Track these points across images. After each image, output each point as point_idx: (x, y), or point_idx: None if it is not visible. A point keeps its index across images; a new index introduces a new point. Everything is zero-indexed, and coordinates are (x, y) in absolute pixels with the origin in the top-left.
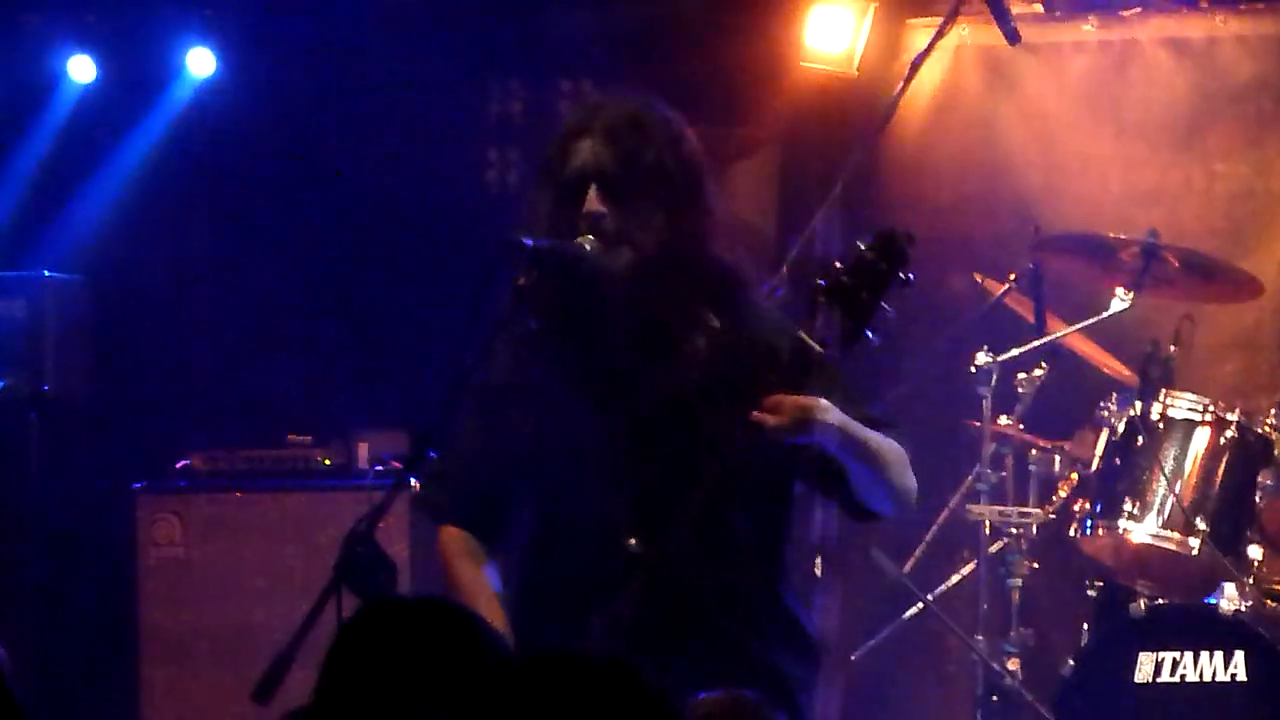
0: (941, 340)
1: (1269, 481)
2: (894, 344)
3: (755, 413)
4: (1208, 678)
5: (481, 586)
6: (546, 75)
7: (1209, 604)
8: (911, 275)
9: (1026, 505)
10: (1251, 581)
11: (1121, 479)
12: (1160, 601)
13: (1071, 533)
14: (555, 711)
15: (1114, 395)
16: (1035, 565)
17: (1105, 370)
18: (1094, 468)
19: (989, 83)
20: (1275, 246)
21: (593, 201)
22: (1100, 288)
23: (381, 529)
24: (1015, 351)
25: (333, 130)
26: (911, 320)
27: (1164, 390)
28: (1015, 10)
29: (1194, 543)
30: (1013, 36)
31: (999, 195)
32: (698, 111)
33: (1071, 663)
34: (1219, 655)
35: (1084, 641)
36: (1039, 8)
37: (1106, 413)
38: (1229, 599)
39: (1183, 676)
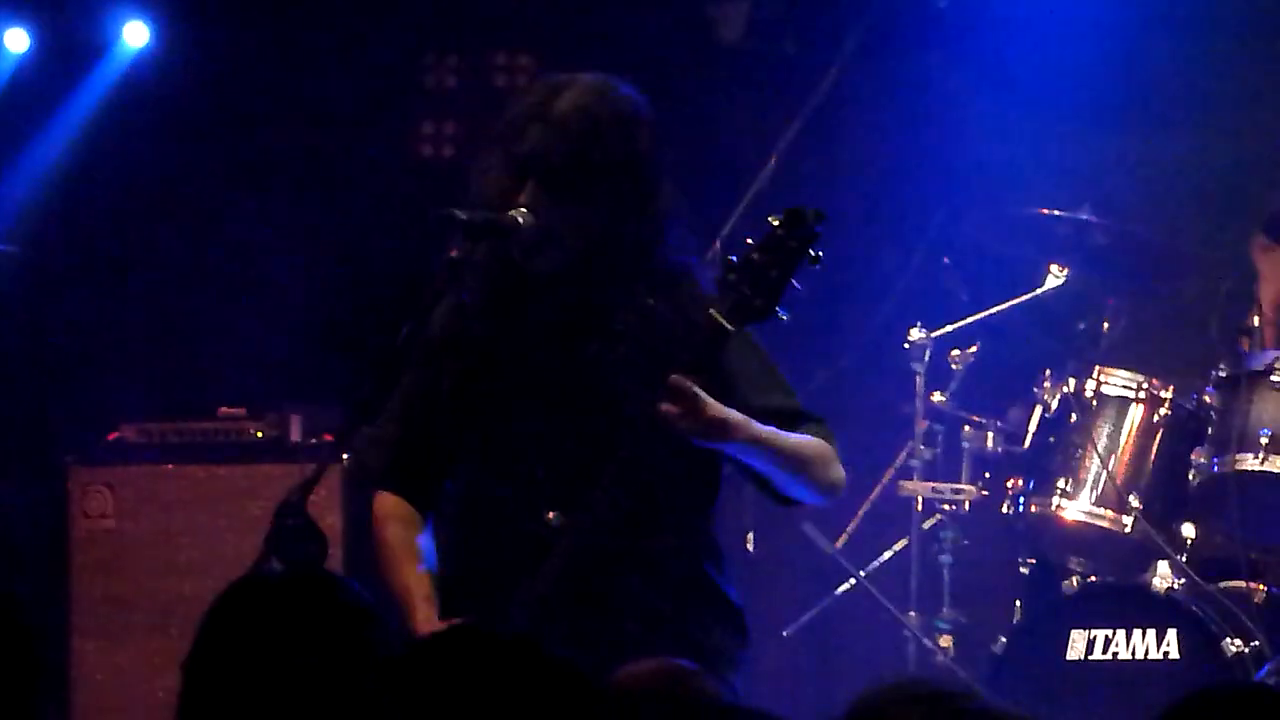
0: (875, 316)
1: (1202, 459)
2: (827, 320)
3: (663, 404)
4: (1140, 655)
5: (410, 552)
6: (482, 48)
7: (1142, 582)
8: (821, 253)
9: (959, 482)
10: (1184, 559)
11: (1055, 456)
12: (1093, 579)
13: (1004, 509)
14: (462, 689)
15: (1047, 372)
16: (967, 542)
17: (1039, 347)
18: (1027, 444)
19: (924, 56)
20: (1208, 222)
21: (529, 194)
22: (1035, 264)
23: (314, 501)
24: (949, 327)
25: (266, 103)
26: (844, 296)
27: (1097, 367)
28: None
29: (1127, 520)
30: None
31: (932, 170)
32: (632, 83)
33: (1003, 640)
34: (1151, 633)
35: (1016, 619)
36: None
37: (1040, 389)
38: (1162, 577)
39: (1115, 654)
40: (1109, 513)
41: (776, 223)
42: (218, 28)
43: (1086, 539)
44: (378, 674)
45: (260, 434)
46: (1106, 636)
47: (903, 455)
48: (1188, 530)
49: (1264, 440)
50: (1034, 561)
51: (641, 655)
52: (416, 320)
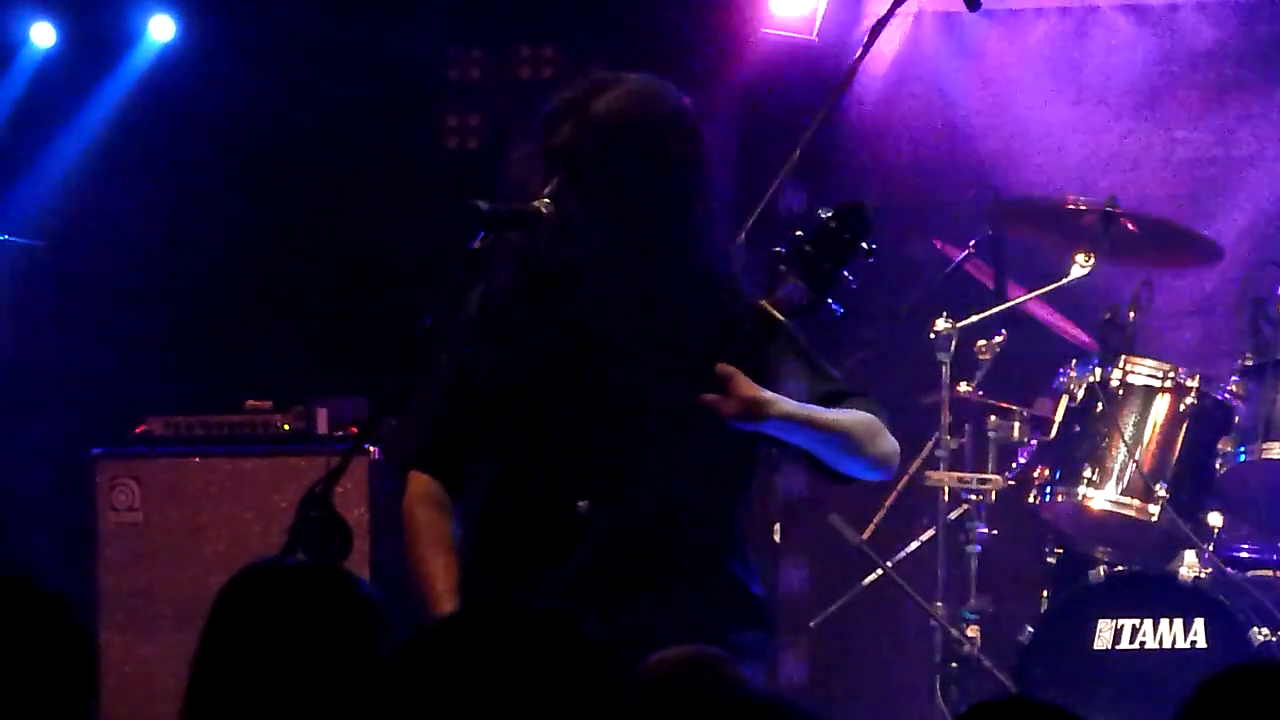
0: (901, 306)
1: (1229, 448)
2: (853, 310)
3: (706, 395)
4: (1167, 645)
5: (439, 537)
6: (507, 40)
7: (1169, 571)
8: (874, 246)
9: (985, 472)
10: (1211, 548)
11: (1081, 445)
12: (1120, 568)
13: (1031, 499)
14: (492, 662)
15: (1073, 361)
16: (994, 532)
17: (1065, 336)
18: (1053, 434)
19: (949, 48)
20: (1234, 212)
21: (555, 187)
22: (1060, 254)
23: (340, 493)
24: (975, 318)
25: (291, 96)
26: (870, 286)
27: (1123, 356)
28: None
29: (1154, 509)
30: (972, 2)
31: (958, 161)
32: (659, 77)
33: (1030, 630)
34: (1179, 622)
35: (1043, 608)
36: None
37: (1066, 379)
38: (1189, 566)
39: (1142, 644)
40: (1136, 502)
41: (828, 215)
42: (243, 22)
43: (1113, 528)
44: (405, 652)
45: (286, 426)
46: (1133, 626)
47: (929, 446)
48: (1215, 519)
49: None
50: (1061, 551)
51: (662, 643)
52: (440, 311)
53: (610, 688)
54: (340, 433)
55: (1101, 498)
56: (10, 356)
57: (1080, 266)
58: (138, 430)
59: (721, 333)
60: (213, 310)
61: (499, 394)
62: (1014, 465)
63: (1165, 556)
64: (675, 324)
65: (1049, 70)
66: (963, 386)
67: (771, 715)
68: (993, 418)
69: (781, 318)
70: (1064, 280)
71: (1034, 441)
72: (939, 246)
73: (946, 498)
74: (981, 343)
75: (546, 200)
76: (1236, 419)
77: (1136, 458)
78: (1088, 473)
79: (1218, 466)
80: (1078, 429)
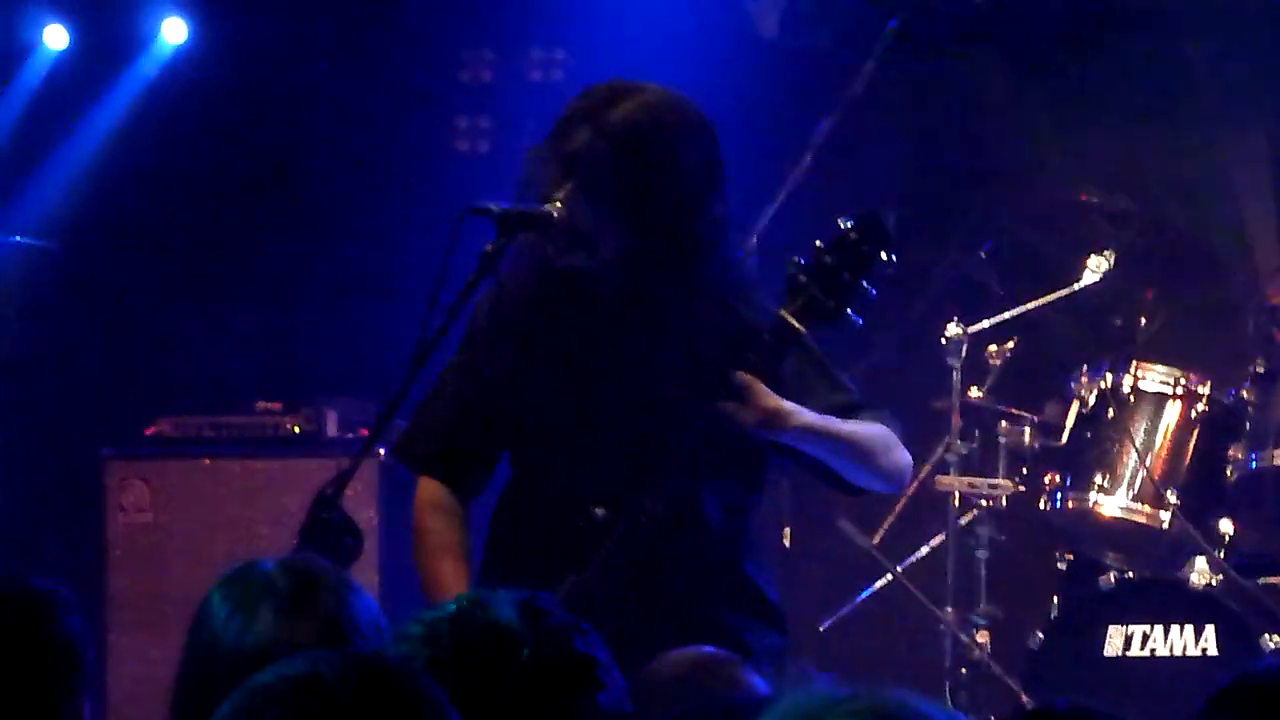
0: (911, 311)
1: (1239, 455)
2: (864, 315)
3: (725, 402)
4: (1178, 651)
5: (449, 544)
6: (518, 42)
7: (1179, 577)
8: (894, 257)
9: (996, 477)
10: (1222, 555)
11: (1091, 451)
12: (1130, 575)
13: (1041, 505)
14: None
15: (1084, 367)
16: (1004, 537)
17: (1076, 342)
18: (1064, 440)
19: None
20: (1248, 218)
21: (567, 192)
22: (1072, 259)
23: (350, 495)
24: (985, 323)
25: (303, 98)
26: (881, 291)
27: (1135, 363)
28: None
29: (1164, 516)
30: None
31: (970, 164)
32: (668, 80)
33: (1040, 635)
34: (1189, 629)
35: (1053, 614)
36: None
37: (1077, 385)
38: (1199, 572)
39: (1152, 650)
40: (1146, 508)
41: (848, 225)
42: (255, 24)
43: (1124, 534)
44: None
45: (296, 428)
46: (1144, 632)
47: (939, 451)
48: (1225, 526)
49: None
50: (1071, 557)
51: (680, 647)
52: (449, 313)
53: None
54: (350, 435)
55: (1112, 504)
56: (20, 357)
57: (1092, 272)
58: (147, 432)
59: (739, 341)
60: (223, 312)
61: (513, 401)
62: (1024, 470)
63: (1176, 563)
64: (689, 332)
65: (1059, 75)
66: (973, 392)
67: None
68: (1003, 423)
69: (800, 328)
70: (1076, 286)
71: (1044, 447)
72: (948, 251)
73: (957, 503)
74: (992, 348)
75: (557, 204)
76: (1247, 425)
77: (1147, 464)
78: (1098, 479)
79: (1228, 473)
80: (1089, 435)
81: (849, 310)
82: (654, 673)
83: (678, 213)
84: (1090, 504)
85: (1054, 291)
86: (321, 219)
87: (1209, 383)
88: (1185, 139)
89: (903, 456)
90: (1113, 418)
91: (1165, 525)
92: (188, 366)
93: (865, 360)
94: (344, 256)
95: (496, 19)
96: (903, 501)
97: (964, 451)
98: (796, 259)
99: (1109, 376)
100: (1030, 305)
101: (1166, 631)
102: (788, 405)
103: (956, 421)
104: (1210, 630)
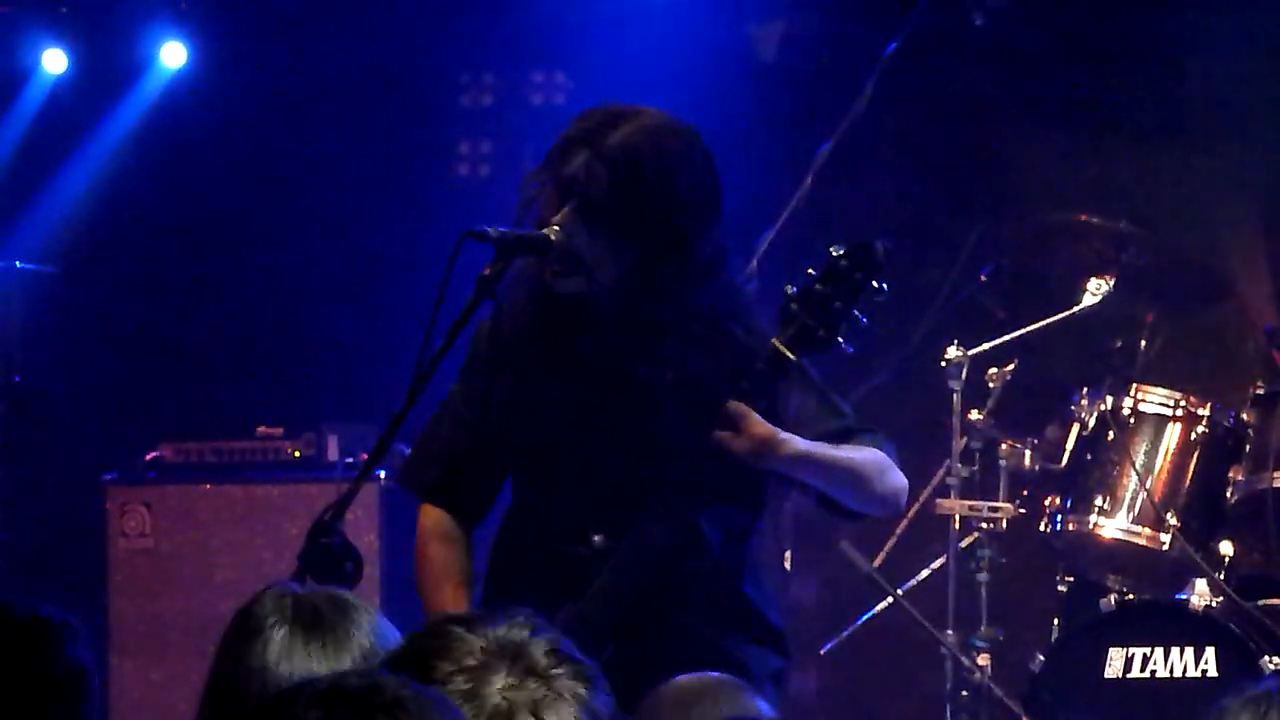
0: (912, 334)
1: (1240, 477)
2: (864, 337)
3: (719, 432)
4: (1178, 673)
5: (451, 572)
6: (519, 67)
7: (1180, 599)
8: (886, 285)
9: (996, 500)
10: (1222, 577)
11: (1092, 474)
12: (1131, 597)
13: (1042, 527)
14: None
15: (1085, 390)
16: (1005, 560)
17: (1076, 365)
18: (1064, 463)
19: (958, 73)
20: (1248, 240)
21: (566, 216)
22: (1073, 281)
23: (351, 520)
24: (986, 345)
25: (303, 123)
26: (873, 319)
27: (1135, 385)
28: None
29: (1165, 538)
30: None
31: (971, 187)
32: (668, 102)
33: (1041, 658)
34: (1190, 651)
35: (1054, 637)
36: None
37: (1077, 407)
38: (1200, 594)
39: (1153, 672)
40: (1147, 530)
41: (839, 254)
42: (254, 48)
43: (1124, 557)
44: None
45: (297, 453)
46: (1144, 654)
47: (940, 473)
48: (1226, 548)
49: None
50: (1072, 579)
51: (682, 674)
52: (448, 337)
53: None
54: (351, 459)
55: (1112, 526)
56: (22, 382)
57: (1092, 295)
58: (149, 457)
59: (733, 368)
60: (224, 337)
61: (512, 428)
62: (1025, 493)
63: (1176, 585)
64: (686, 357)
65: (1057, 96)
66: (974, 414)
67: None
68: (1004, 446)
69: (793, 356)
70: (1076, 308)
71: (1045, 469)
72: (949, 274)
73: (957, 526)
74: (993, 371)
75: (556, 228)
76: (1247, 447)
77: (1147, 486)
78: (1099, 501)
79: (1229, 495)
80: (1089, 457)
81: (840, 339)
82: (658, 698)
83: (676, 236)
84: (1091, 526)
85: (1054, 314)
86: (322, 243)
87: (1209, 405)
88: (1186, 161)
89: (898, 480)
90: (1113, 440)
91: (1165, 547)
92: (188, 392)
93: (866, 383)
94: (344, 281)
95: (497, 43)
96: (903, 524)
97: (965, 474)
98: (789, 287)
99: (1109, 399)
100: (1031, 328)
101: (1167, 653)
102: (780, 435)
103: (957, 444)
104: (1211, 652)
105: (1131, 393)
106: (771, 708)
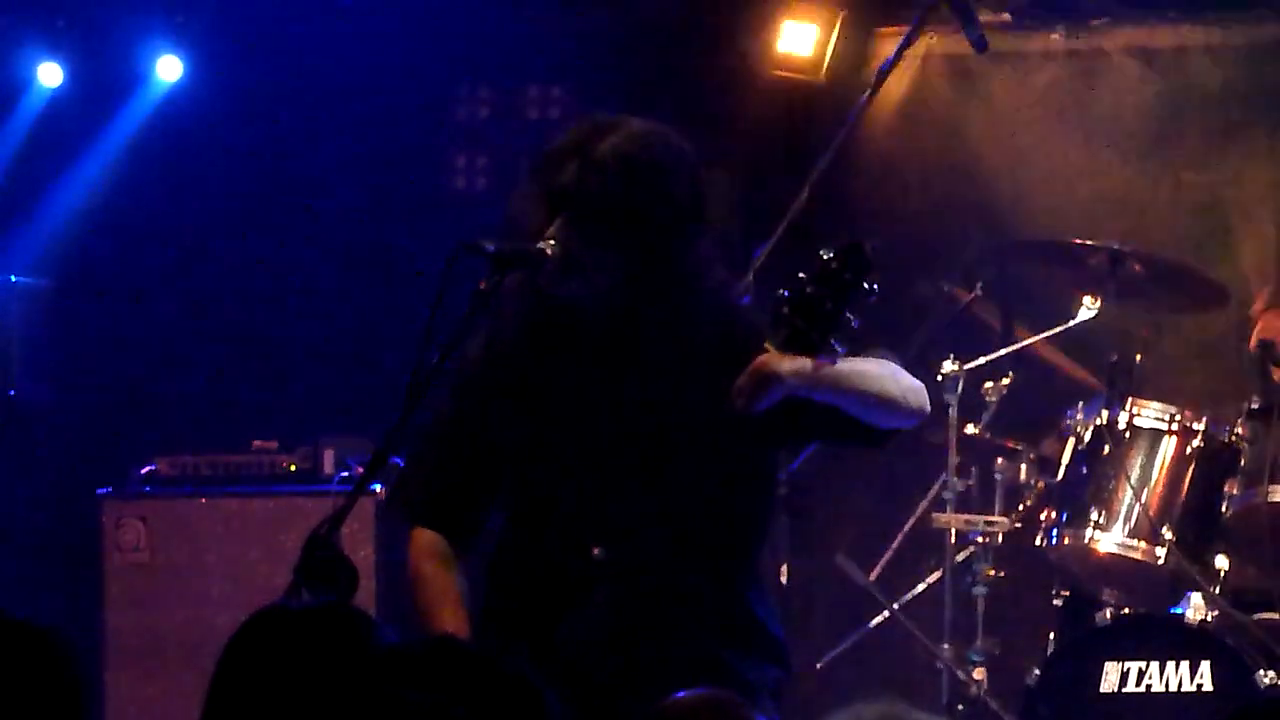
0: (908, 348)
1: (1235, 491)
2: (858, 352)
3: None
4: (1174, 688)
5: (447, 591)
6: (515, 81)
7: (1175, 613)
8: (876, 286)
9: (992, 513)
10: (1217, 591)
11: (1088, 488)
12: (1126, 611)
13: (1037, 541)
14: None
15: (1080, 404)
16: (1001, 574)
17: (1072, 379)
18: (1060, 476)
19: (957, 91)
20: (1242, 255)
21: (559, 228)
22: (1067, 296)
23: (347, 534)
24: (982, 360)
25: (299, 137)
26: (877, 328)
27: (1130, 399)
28: (983, 19)
29: (1160, 552)
30: (980, 44)
31: (966, 203)
32: (665, 117)
33: (1037, 672)
34: (1185, 665)
35: (1050, 650)
36: (1007, 17)
37: (1073, 421)
38: (1195, 608)
39: (1149, 686)
40: (1142, 544)
41: (829, 256)
42: (250, 63)
43: (1120, 571)
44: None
45: (293, 466)
46: (1140, 668)
47: (936, 487)
48: (1221, 562)
49: None
50: (1067, 593)
51: (683, 687)
52: (444, 352)
53: None
54: (346, 473)
55: (1108, 540)
56: (17, 396)
57: (1087, 309)
58: (144, 470)
59: (729, 372)
60: (219, 350)
61: (509, 445)
62: (1020, 507)
63: (1171, 599)
64: (682, 363)
65: (1057, 113)
66: (970, 428)
67: None
68: (1000, 459)
69: None
70: (1071, 322)
71: (1041, 483)
72: (946, 288)
73: (954, 539)
74: (989, 384)
75: (551, 242)
76: (1243, 461)
77: (1143, 500)
78: (1094, 515)
79: (1224, 509)
80: (1084, 471)
81: (832, 340)
82: (661, 713)
83: (669, 241)
84: (1086, 540)
85: (1050, 328)
86: (318, 257)
87: (1204, 419)
88: (1184, 175)
89: (913, 379)
90: (1109, 454)
91: (1161, 561)
92: (184, 405)
93: None
94: (340, 294)
95: (493, 57)
96: (900, 538)
97: (960, 488)
98: (781, 291)
99: (1105, 413)
100: (1026, 342)
101: (1162, 667)
102: (774, 355)
103: (953, 458)
104: (1206, 666)
105: (1127, 406)
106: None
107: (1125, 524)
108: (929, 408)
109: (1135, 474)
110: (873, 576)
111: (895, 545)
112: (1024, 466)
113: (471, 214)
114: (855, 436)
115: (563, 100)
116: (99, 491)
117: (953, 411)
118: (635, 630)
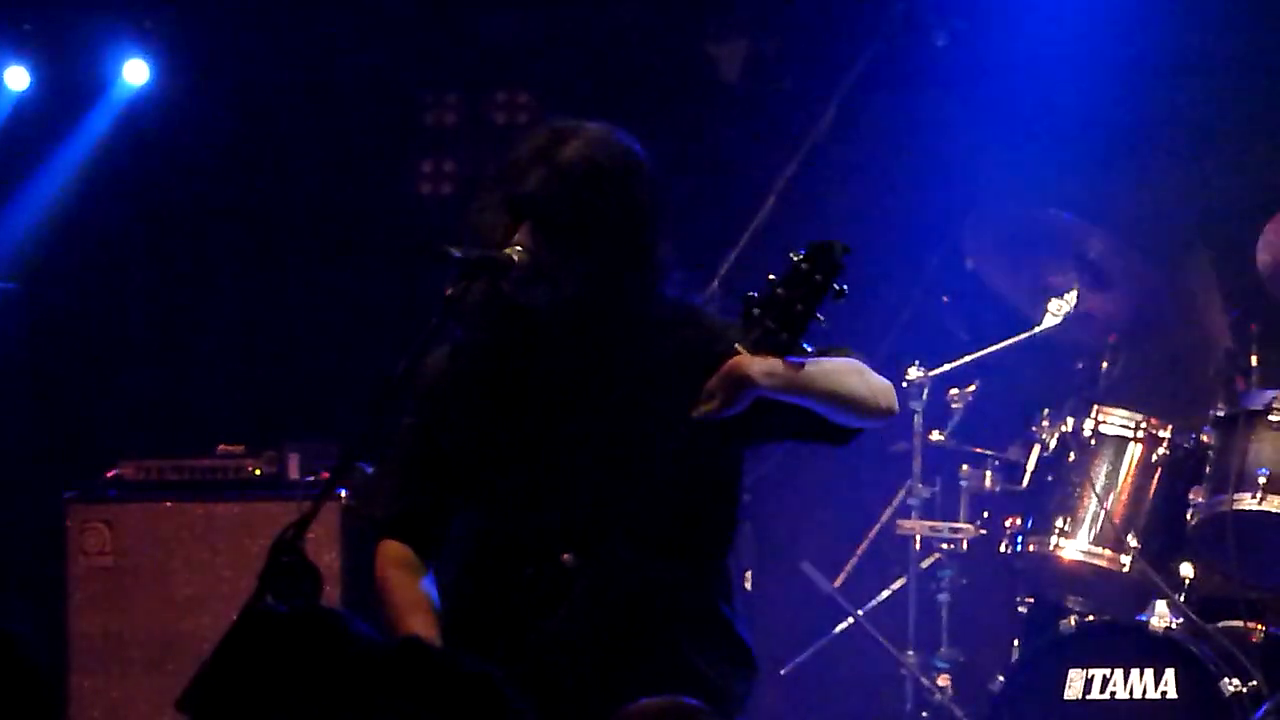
0: (873, 354)
1: (1200, 499)
2: (827, 352)
3: (696, 411)
4: (1138, 695)
5: (416, 601)
6: (482, 86)
7: (1140, 621)
8: (845, 286)
9: (957, 520)
10: (1182, 598)
11: (1053, 495)
12: (1091, 618)
13: (1002, 548)
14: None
15: (1045, 411)
16: (966, 581)
17: (1037, 386)
18: (1025, 483)
19: (925, 90)
20: (1209, 263)
21: (525, 234)
22: (1033, 303)
23: (312, 539)
24: (947, 366)
25: (266, 142)
26: (843, 334)
27: (1096, 406)
28: None
29: (1125, 559)
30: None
31: (935, 209)
32: (632, 122)
33: (1001, 679)
34: (1149, 672)
35: (1014, 658)
36: None
37: (1038, 428)
38: (1160, 616)
39: (1113, 694)
40: (1107, 552)
41: (799, 257)
42: (217, 67)
43: (1084, 578)
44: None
45: (258, 471)
46: (1104, 676)
47: (901, 494)
48: (1186, 570)
49: (1261, 480)
50: (1032, 600)
51: (654, 693)
52: (411, 358)
53: None
54: (311, 478)
55: (1073, 547)
56: None
57: (1053, 315)
58: (109, 474)
59: (696, 377)
60: (184, 354)
61: (474, 454)
62: (985, 514)
63: (1136, 606)
64: (649, 367)
65: (1027, 112)
66: (935, 435)
67: None
68: (965, 466)
69: None
70: (1037, 329)
71: (1006, 490)
72: (911, 294)
73: (918, 546)
74: (954, 391)
75: (518, 249)
76: (1208, 469)
77: (1108, 508)
78: (1059, 522)
79: (1189, 517)
80: (1050, 478)
81: (802, 342)
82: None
83: (633, 244)
84: (1051, 547)
85: (1016, 335)
86: (284, 262)
87: (1170, 427)
88: (1151, 181)
89: (882, 379)
90: (1074, 461)
91: (1126, 569)
92: (149, 409)
93: None
94: (306, 299)
95: (461, 62)
96: (864, 545)
97: (926, 495)
98: (751, 293)
99: (1070, 420)
100: (992, 349)
101: (1127, 675)
102: (745, 356)
103: (918, 465)
104: (1170, 674)
105: (1093, 414)
106: None
107: (1090, 531)
108: (898, 407)
109: (1100, 481)
110: (837, 583)
111: (860, 552)
112: (989, 473)
113: (438, 219)
114: (823, 435)
115: (530, 106)
116: (64, 495)
117: (918, 418)
118: (605, 636)
